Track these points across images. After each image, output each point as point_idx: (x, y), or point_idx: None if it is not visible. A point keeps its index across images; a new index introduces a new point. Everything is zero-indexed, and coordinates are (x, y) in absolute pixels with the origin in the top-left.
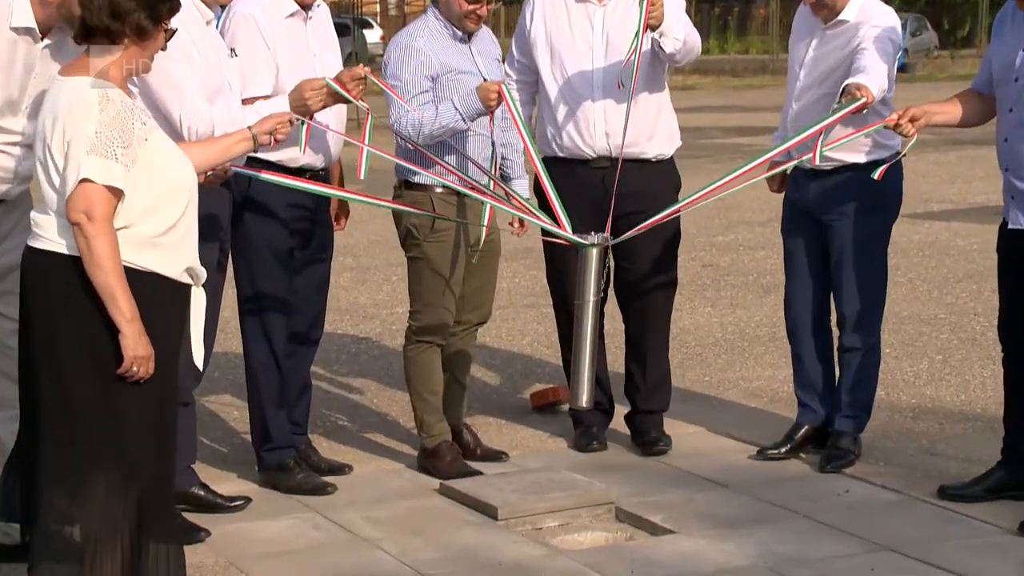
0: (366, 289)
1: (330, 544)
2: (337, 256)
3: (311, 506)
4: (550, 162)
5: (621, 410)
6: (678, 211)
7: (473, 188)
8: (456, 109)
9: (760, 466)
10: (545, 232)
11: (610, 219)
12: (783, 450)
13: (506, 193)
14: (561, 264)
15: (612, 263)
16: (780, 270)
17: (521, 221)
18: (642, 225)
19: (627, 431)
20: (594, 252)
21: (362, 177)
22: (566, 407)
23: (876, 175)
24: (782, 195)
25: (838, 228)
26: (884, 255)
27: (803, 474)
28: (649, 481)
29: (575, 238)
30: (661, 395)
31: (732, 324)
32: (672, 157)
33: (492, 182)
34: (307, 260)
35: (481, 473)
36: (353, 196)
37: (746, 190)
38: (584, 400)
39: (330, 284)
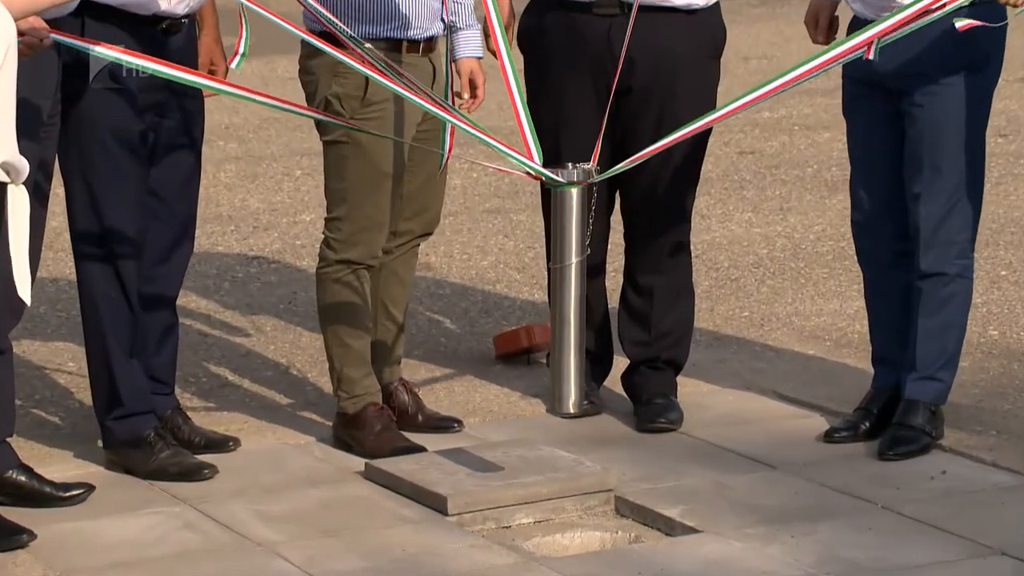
0: (259, 188)
1: (208, 551)
2: (214, 140)
3: (180, 497)
4: (542, 8)
5: (623, 360)
6: (699, 129)
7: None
8: None
9: (818, 443)
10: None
11: (612, 95)
12: (861, 429)
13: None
14: (553, 142)
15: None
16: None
17: (473, 91)
18: (646, 151)
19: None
20: (575, 194)
21: (235, 66)
22: (544, 356)
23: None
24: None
25: (919, 100)
26: (982, 137)
27: (876, 450)
28: (663, 459)
29: (547, 172)
30: (675, 345)
31: (782, 236)
32: (716, 5)
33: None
34: (167, 146)
35: (424, 449)
36: (234, 91)
37: (803, 43)
38: (571, 404)
39: (203, 180)
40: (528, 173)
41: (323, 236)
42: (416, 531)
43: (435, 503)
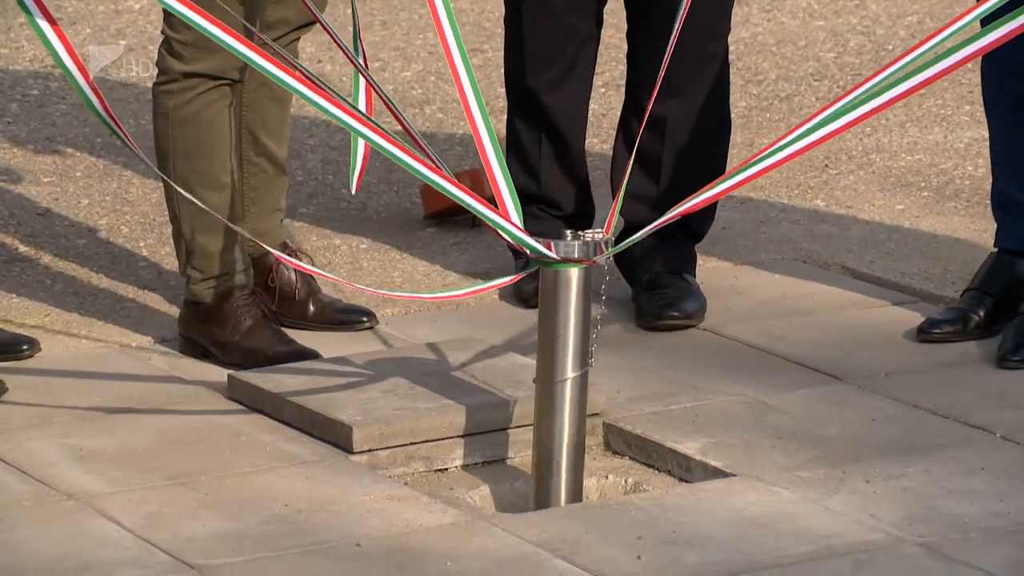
0: None
1: None
2: None
3: None
4: None
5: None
6: (737, 186)
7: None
8: None
9: (907, 343)
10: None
11: None
12: (972, 321)
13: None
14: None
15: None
16: None
17: None
18: (671, 215)
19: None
20: (574, 277)
21: None
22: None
23: None
24: None
25: None
26: None
27: (994, 354)
28: (676, 369)
29: (532, 243)
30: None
31: (858, 32)
32: None
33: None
34: None
35: (318, 355)
36: None
37: None
38: None
39: None
40: (508, 238)
41: (162, 35)
42: (306, 477)
43: (334, 435)
